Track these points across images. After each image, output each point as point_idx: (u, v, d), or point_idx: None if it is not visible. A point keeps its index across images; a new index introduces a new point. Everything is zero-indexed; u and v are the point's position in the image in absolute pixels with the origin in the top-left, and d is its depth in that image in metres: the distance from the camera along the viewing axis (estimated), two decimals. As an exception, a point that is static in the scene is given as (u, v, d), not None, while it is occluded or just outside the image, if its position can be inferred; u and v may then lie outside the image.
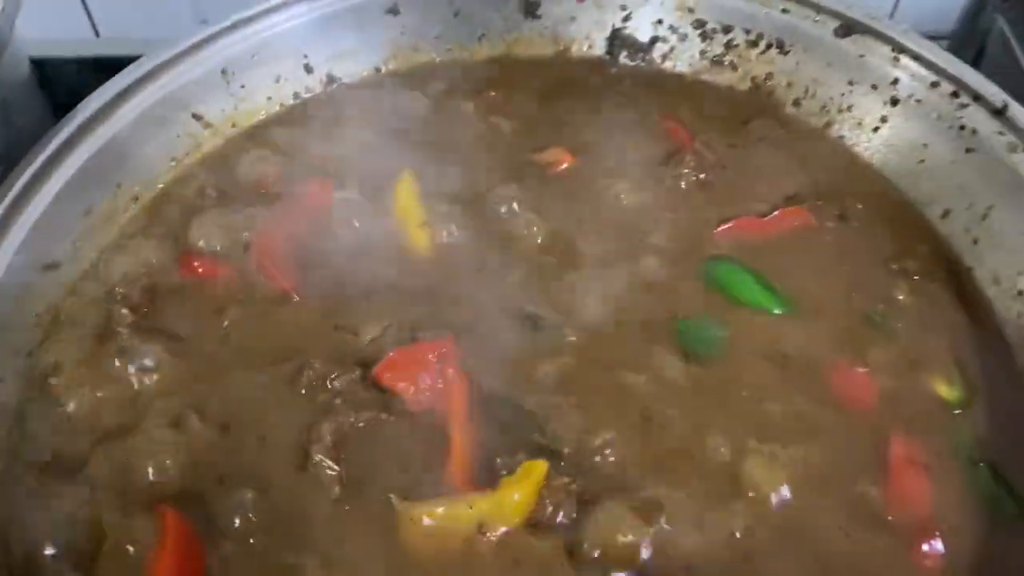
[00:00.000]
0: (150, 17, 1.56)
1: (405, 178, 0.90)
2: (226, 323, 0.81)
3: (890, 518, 0.69)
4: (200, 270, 0.85)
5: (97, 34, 1.58)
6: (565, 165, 0.93)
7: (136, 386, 0.77)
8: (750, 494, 0.70)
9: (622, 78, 1.04)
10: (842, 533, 0.68)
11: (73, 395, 0.76)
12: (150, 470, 0.71)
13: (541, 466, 0.68)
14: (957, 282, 0.86)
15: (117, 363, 0.77)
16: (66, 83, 1.34)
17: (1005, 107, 0.86)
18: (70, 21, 1.49)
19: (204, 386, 0.76)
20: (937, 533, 0.68)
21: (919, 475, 0.72)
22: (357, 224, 0.87)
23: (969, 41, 1.51)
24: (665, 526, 0.67)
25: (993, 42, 1.48)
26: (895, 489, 0.71)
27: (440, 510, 0.67)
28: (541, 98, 1.00)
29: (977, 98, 0.88)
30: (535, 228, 0.87)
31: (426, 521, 0.67)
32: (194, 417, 0.73)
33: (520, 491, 0.68)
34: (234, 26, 0.96)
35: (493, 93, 0.99)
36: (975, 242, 0.87)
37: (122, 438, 0.73)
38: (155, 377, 0.77)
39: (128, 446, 0.72)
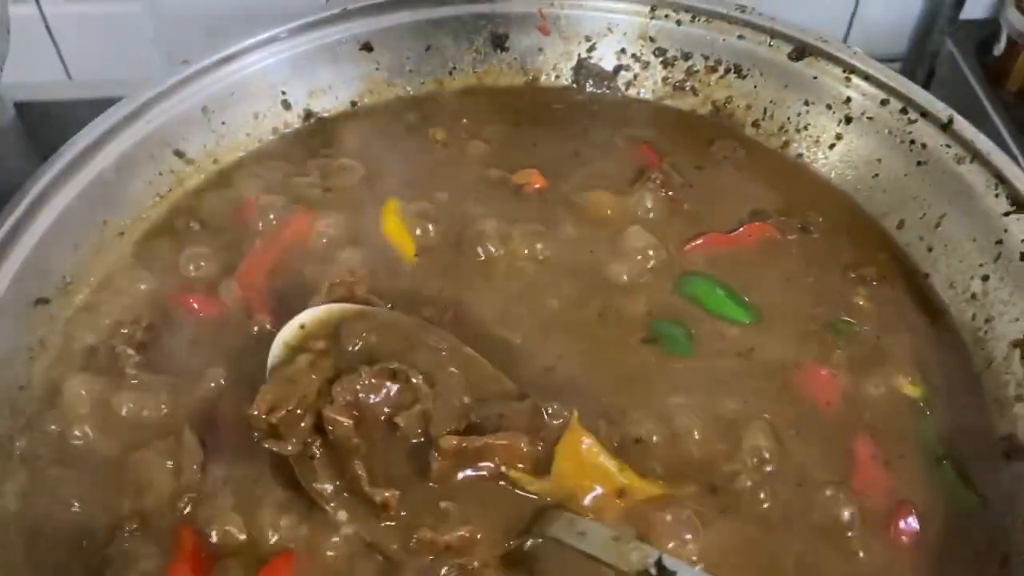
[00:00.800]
0: (122, 59, 1.59)
1: (391, 204, 0.93)
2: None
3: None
4: (196, 306, 0.87)
5: (69, 76, 1.61)
6: (537, 185, 0.97)
7: (140, 419, 0.79)
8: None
9: (590, 104, 1.08)
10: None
11: (73, 429, 0.78)
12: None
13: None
14: (915, 288, 0.90)
15: (122, 400, 0.79)
16: (44, 125, 1.36)
17: (951, 121, 0.90)
18: (42, 64, 1.52)
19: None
20: (912, 511, 0.72)
21: (885, 470, 0.75)
22: (343, 252, 0.90)
23: (920, 62, 1.58)
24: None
25: (943, 62, 1.55)
26: (863, 482, 0.74)
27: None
28: (513, 125, 1.04)
29: (924, 114, 0.93)
30: (513, 244, 0.90)
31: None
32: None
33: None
34: (214, 65, 0.99)
35: (466, 121, 1.03)
36: (930, 249, 0.91)
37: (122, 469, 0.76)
38: (162, 411, 0.79)
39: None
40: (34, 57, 1.51)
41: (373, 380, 0.72)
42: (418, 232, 0.92)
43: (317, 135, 1.04)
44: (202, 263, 0.91)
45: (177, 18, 1.56)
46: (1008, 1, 1.44)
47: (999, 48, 1.46)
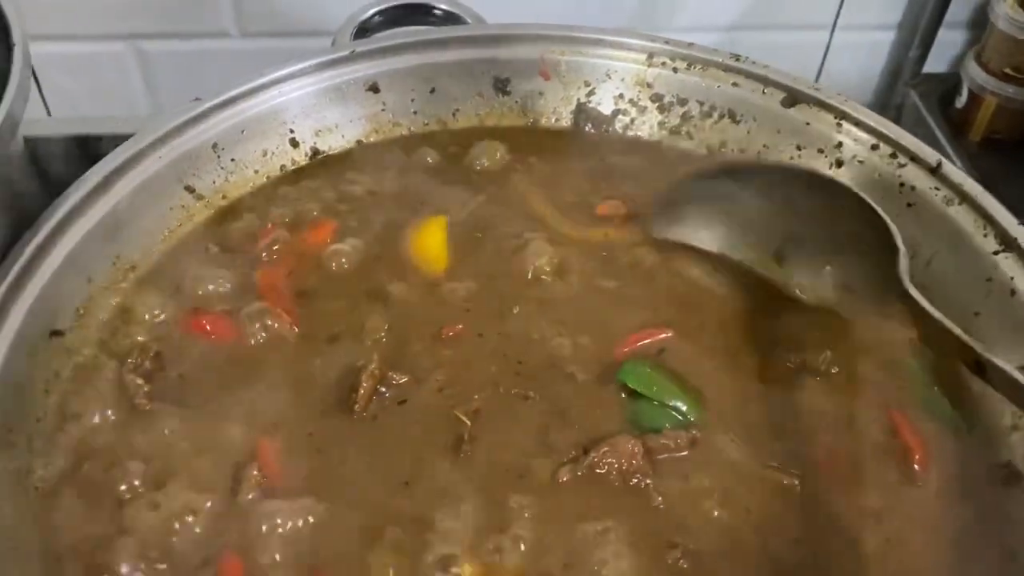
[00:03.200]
0: (105, 99, 1.60)
1: (432, 219, 0.99)
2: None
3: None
4: (208, 327, 0.88)
5: (48, 112, 1.61)
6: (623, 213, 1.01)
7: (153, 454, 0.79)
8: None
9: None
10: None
11: (88, 460, 0.78)
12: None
13: None
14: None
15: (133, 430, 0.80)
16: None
17: (939, 165, 0.95)
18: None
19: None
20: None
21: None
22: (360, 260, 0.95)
23: (885, 114, 1.65)
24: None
25: (907, 114, 1.63)
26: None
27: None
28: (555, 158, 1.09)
29: (914, 158, 0.98)
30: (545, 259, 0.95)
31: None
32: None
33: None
34: (225, 103, 1.00)
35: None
36: (922, 288, 0.95)
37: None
38: (170, 436, 0.80)
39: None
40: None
41: None
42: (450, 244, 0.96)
43: (326, 169, 1.06)
44: (219, 283, 0.92)
45: (160, 59, 1.57)
46: (969, 55, 1.52)
47: (961, 100, 1.54)
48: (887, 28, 1.64)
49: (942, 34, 1.60)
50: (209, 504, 0.75)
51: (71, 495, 0.76)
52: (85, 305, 0.88)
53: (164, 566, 0.71)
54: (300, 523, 0.73)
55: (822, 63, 1.68)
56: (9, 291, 0.82)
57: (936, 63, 1.63)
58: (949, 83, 1.59)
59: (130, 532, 0.73)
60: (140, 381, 0.83)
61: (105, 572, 0.70)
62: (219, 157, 1.01)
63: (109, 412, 0.82)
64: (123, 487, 0.76)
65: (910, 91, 1.62)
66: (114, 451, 0.79)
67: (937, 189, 0.95)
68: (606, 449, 0.77)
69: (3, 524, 0.72)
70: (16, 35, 0.86)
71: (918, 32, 1.59)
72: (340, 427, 0.81)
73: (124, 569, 0.70)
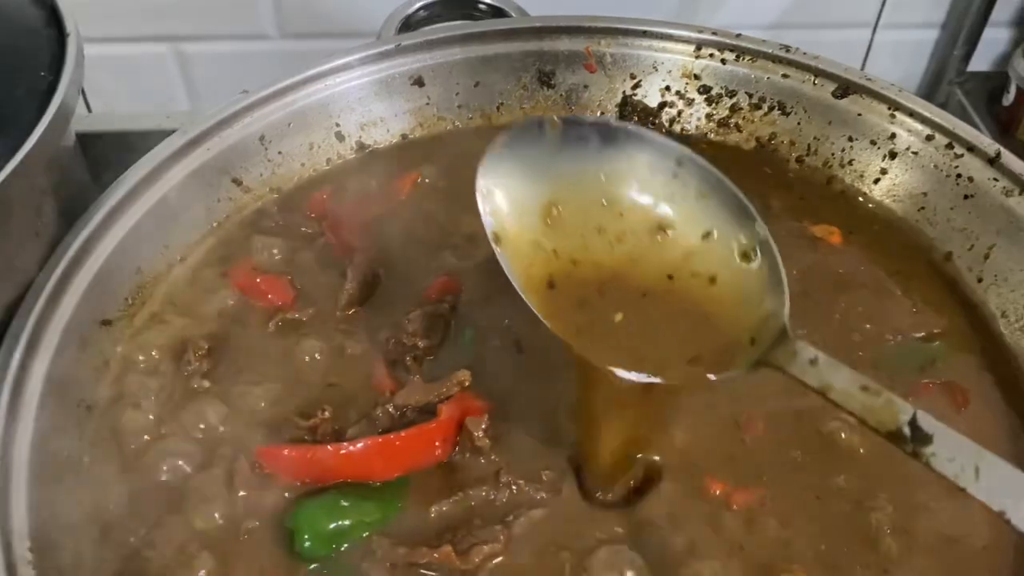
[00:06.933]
0: (145, 98, 1.60)
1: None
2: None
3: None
4: (261, 285, 0.89)
5: (89, 109, 1.62)
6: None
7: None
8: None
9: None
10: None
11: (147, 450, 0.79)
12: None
13: None
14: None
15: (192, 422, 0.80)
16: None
17: (998, 155, 0.93)
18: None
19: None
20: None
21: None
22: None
23: (930, 112, 1.63)
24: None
25: (952, 111, 1.59)
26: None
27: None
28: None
29: (971, 148, 0.96)
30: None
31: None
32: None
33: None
34: (272, 95, 1.00)
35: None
36: (979, 280, 0.93)
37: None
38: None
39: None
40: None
41: None
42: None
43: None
44: (275, 251, 0.94)
45: (200, 60, 1.58)
46: (1017, 52, 1.50)
47: (1008, 98, 1.52)
48: (931, 27, 1.61)
49: (987, 32, 1.57)
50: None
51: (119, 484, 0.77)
52: (134, 294, 0.89)
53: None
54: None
55: (864, 62, 1.66)
56: (61, 279, 0.82)
57: (979, 62, 1.61)
58: (995, 81, 1.56)
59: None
60: (207, 383, 0.83)
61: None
62: (266, 149, 1.01)
63: (156, 404, 0.82)
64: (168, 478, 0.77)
65: (955, 89, 1.59)
66: (164, 441, 0.79)
67: (996, 180, 0.93)
68: None
69: (56, 506, 0.72)
70: (69, 25, 0.86)
71: (963, 30, 1.56)
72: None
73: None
